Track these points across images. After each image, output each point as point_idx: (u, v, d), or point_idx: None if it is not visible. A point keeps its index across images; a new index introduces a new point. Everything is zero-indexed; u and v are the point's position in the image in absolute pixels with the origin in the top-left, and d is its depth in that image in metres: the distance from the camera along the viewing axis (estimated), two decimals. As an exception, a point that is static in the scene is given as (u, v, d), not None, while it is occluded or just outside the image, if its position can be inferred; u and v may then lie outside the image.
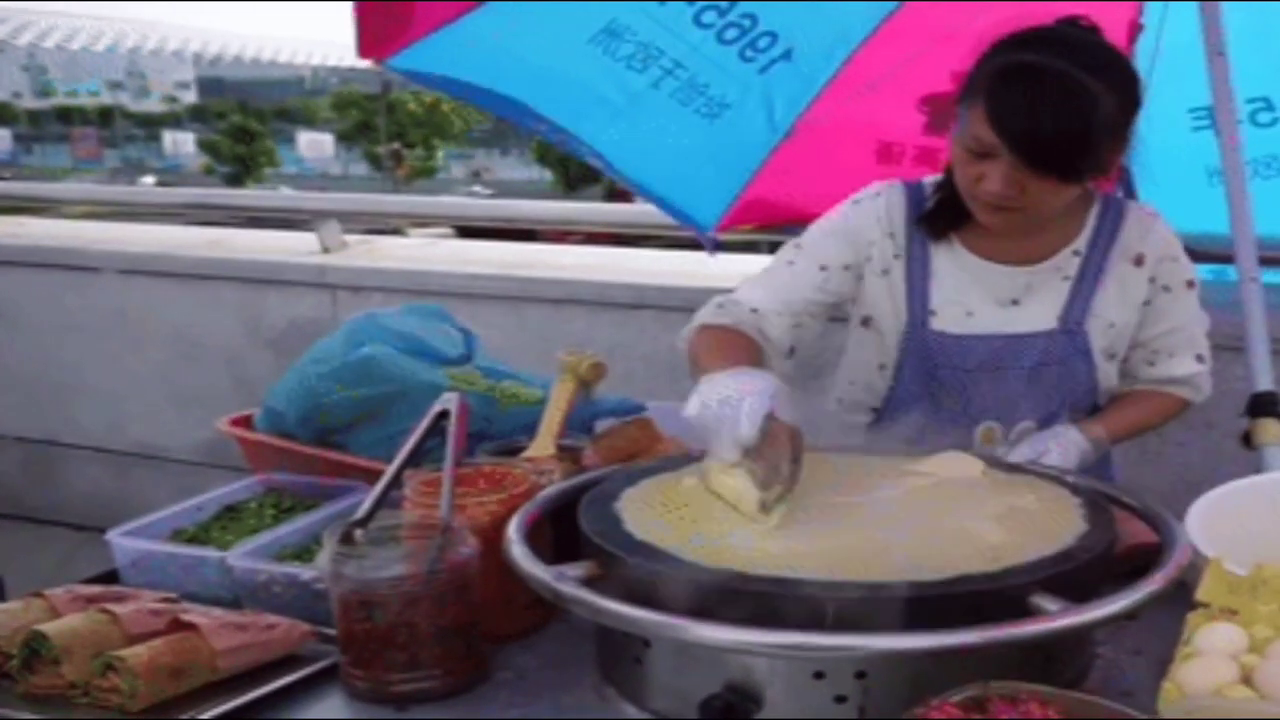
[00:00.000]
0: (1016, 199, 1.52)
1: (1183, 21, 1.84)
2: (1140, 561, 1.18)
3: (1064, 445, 1.59)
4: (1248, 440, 1.75)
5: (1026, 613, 1.05)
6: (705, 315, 1.67)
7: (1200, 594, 1.08)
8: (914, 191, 1.70)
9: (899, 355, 1.68)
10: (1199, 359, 1.74)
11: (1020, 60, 1.47)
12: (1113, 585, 1.09)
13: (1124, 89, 1.50)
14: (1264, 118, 2.18)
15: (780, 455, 1.24)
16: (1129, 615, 1.07)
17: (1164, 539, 1.21)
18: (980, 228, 1.62)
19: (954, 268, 1.66)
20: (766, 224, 2.44)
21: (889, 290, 1.68)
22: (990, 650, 1.01)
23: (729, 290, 1.70)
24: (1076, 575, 1.11)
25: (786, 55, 2.13)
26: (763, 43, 2.10)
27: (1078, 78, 1.45)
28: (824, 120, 2.22)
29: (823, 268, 1.68)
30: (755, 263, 3.24)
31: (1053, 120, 1.45)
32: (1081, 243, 1.67)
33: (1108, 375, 1.71)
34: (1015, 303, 1.66)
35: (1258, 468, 1.69)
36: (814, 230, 1.73)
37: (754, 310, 1.65)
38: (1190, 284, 1.72)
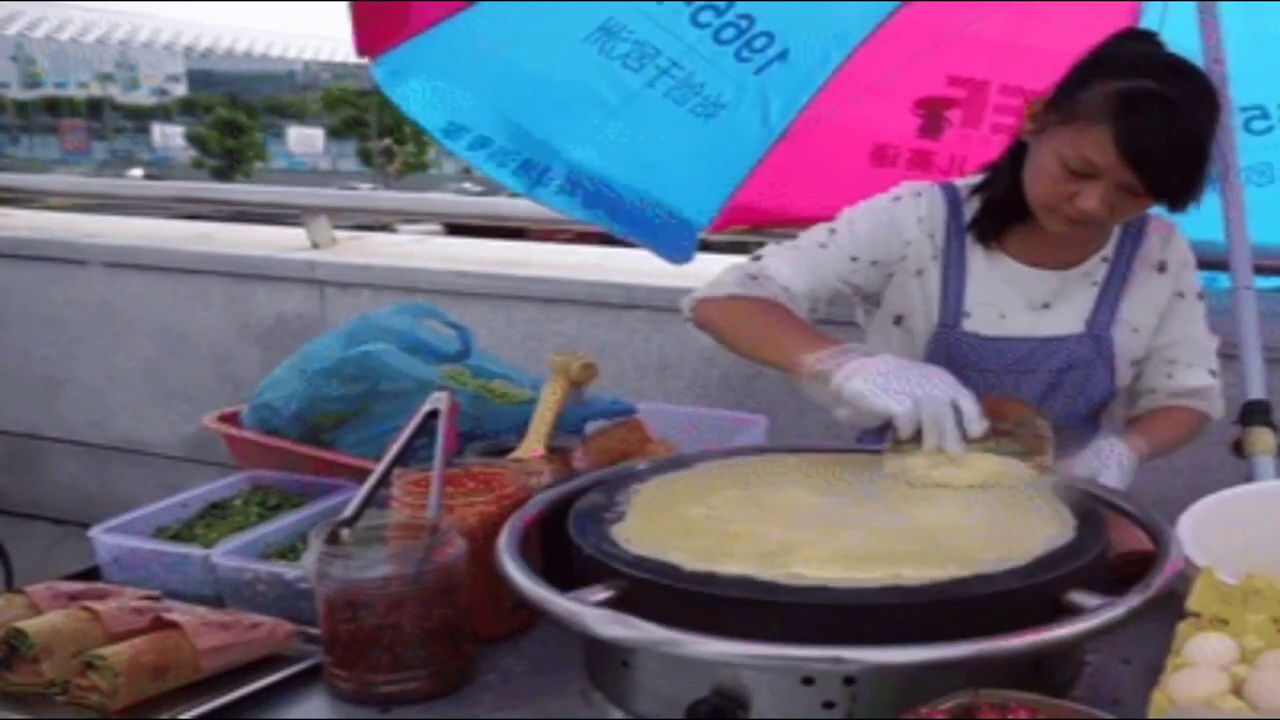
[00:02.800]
0: (1107, 217, 1.53)
1: (1181, 28, 1.84)
2: (1133, 569, 1.17)
3: (1120, 462, 1.57)
4: (1238, 449, 1.75)
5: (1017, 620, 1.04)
6: (733, 284, 1.63)
7: (1191, 603, 1.08)
8: (950, 193, 1.70)
9: (925, 355, 1.67)
10: (1211, 373, 1.75)
11: (1147, 88, 1.45)
12: (1103, 594, 1.08)
13: (1216, 112, 1.52)
14: (1258, 125, 2.19)
15: (1013, 423, 1.37)
16: (1119, 625, 1.06)
17: (1159, 547, 1.20)
18: (1024, 233, 1.63)
19: (990, 270, 1.66)
20: (759, 225, 2.44)
21: (922, 290, 1.68)
22: (979, 658, 1.00)
23: None
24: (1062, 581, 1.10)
25: (783, 56, 2.12)
26: (759, 43, 2.10)
27: (1193, 106, 1.46)
28: (819, 122, 2.22)
29: (853, 258, 1.67)
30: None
31: (1182, 150, 1.46)
32: (1109, 249, 1.68)
33: (1124, 381, 1.72)
34: (1045, 306, 1.67)
35: (1248, 476, 1.69)
36: (848, 219, 1.70)
37: (786, 289, 1.63)
38: (1200, 295, 1.74)
